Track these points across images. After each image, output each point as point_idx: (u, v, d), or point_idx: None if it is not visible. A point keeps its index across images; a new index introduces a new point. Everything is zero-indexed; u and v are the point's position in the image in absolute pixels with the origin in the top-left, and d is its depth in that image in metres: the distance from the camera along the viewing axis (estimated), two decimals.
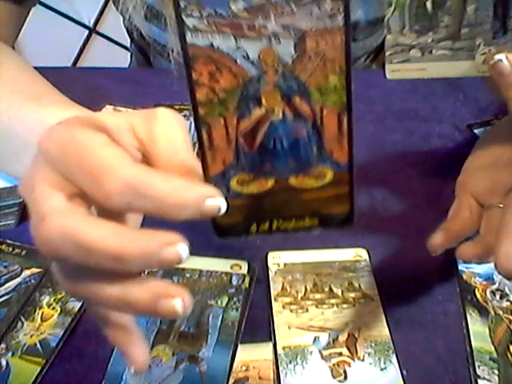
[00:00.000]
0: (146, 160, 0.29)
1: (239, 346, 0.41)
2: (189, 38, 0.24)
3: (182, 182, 0.25)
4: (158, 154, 0.28)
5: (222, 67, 0.25)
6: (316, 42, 0.25)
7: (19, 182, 0.28)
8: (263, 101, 0.26)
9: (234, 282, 0.45)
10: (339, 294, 0.45)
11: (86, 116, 0.29)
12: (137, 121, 0.29)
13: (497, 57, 0.38)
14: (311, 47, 0.25)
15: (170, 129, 0.29)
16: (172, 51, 0.61)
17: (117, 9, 0.70)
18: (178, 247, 0.24)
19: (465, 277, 0.46)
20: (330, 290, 0.45)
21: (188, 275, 0.46)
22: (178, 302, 0.25)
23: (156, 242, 0.24)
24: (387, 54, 0.39)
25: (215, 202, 0.25)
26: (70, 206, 0.26)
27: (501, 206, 0.40)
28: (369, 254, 0.48)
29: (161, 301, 0.25)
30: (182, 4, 0.24)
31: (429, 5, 0.38)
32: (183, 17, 0.24)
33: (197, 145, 0.27)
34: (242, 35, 0.25)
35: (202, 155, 0.27)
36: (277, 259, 0.47)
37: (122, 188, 0.24)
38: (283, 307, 0.44)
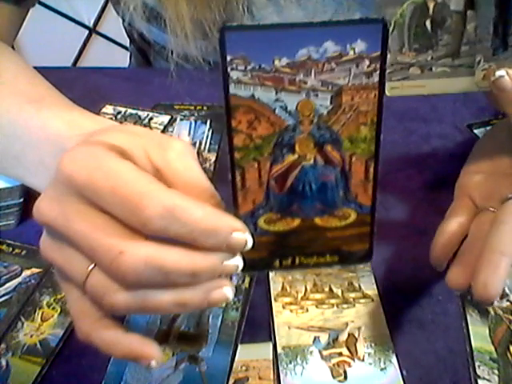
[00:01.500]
0: None
1: (239, 346, 0.41)
2: (232, 88, 0.25)
3: (213, 210, 0.27)
4: (176, 183, 0.29)
5: (260, 116, 0.26)
6: (351, 96, 0.27)
7: (37, 205, 0.29)
8: (297, 148, 0.28)
9: (234, 282, 0.45)
10: (339, 294, 0.45)
11: (103, 139, 0.29)
12: (151, 148, 0.29)
13: (498, 73, 0.37)
14: (346, 101, 0.27)
15: (186, 159, 0.30)
16: (171, 53, 0.61)
17: (117, 12, 0.70)
18: (236, 260, 0.27)
19: None
20: (330, 290, 0.45)
21: None
22: (228, 289, 0.28)
23: (220, 257, 0.27)
24: (386, 72, 0.39)
25: (242, 236, 0.26)
26: (134, 235, 0.27)
27: (492, 209, 0.40)
28: None
29: (211, 294, 0.28)
30: (228, 57, 0.25)
31: (428, 24, 0.38)
32: (228, 69, 0.25)
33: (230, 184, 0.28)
34: (282, 88, 0.26)
35: (233, 194, 0.29)
36: None
37: (162, 212, 0.26)
38: (283, 307, 0.44)
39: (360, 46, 0.25)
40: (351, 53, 0.25)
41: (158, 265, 0.26)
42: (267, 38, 0.24)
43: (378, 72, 0.26)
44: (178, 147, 0.30)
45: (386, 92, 0.40)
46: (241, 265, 0.28)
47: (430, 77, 0.39)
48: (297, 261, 0.31)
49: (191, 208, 0.26)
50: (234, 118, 0.26)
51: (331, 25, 0.25)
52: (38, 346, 0.41)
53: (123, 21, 0.76)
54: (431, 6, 0.38)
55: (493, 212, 0.40)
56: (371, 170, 0.29)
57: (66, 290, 0.31)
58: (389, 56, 0.38)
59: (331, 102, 0.27)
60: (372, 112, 0.27)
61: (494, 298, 0.34)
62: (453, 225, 0.41)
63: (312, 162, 0.28)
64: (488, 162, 0.45)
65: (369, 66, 0.26)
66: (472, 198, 0.43)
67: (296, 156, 0.28)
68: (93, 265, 0.28)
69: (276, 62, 0.25)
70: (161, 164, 0.29)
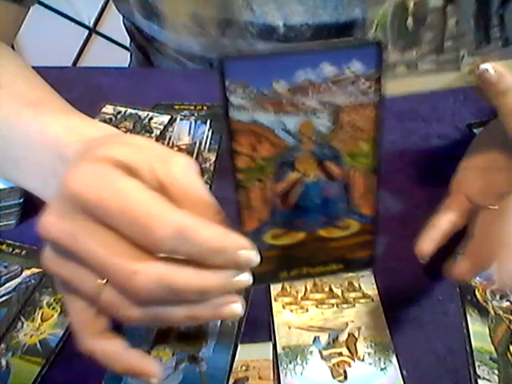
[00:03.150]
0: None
1: (239, 346, 0.41)
2: (232, 113, 0.26)
3: (221, 229, 0.27)
4: (181, 199, 0.29)
5: (262, 138, 0.27)
6: (349, 114, 0.27)
7: (42, 222, 0.29)
8: (299, 166, 0.28)
9: None
10: (339, 294, 0.45)
11: (108, 154, 0.29)
12: (156, 163, 0.30)
13: (482, 66, 0.38)
14: (345, 119, 0.27)
15: (190, 175, 0.30)
16: (171, 49, 0.61)
17: (117, 8, 0.70)
18: (244, 276, 0.28)
19: None
20: (330, 289, 0.45)
21: None
22: (237, 306, 0.29)
23: (229, 274, 0.27)
24: (383, 88, 0.39)
25: (249, 253, 0.27)
26: (145, 254, 0.27)
27: (491, 207, 0.40)
28: None
29: (222, 309, 0.29)
30: (227, 84, 0.25)
31: (410, 22, 0.38)
32: (227, 94, 0.25)
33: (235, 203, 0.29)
34: (281, 110, 0.26)
35: (239, 214, 0.29)
36: None
37: (173, 234, 0.26)
38: (283, 307, 0.44)
39: (356, 66, 0.25)
40: (348, 73, 0.26)
41: (169, 284, 0.27)
42: (265, 64, 0.25)
43: (374, 89, 0.26)
44: (182, 163, 0.30)
45: None
46: (250, 280, 0.28)
47: (417, 75, 0.39)
48: (303, 271, 0.32)
49: (200, 228, 0.26)
50: (236, 141, 0.27)
51: (327, 47, 0.25)
52: (38, 346, 0.41)
53: (123, 19, 0.76)
54: (411, 4, 0.38)
55: (493, 209, 0.40)
56: (372, 182, 0.29)
57: (69, 301, 0.31)
58: None
59: (330, 122, 0.27)
60: (371, 128, 0.28)
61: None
62: (443, 221, 0.43)
63: (313, 178, 0.29)
64: (483, 157, 0.46)
65: (365, 85, 0.26)
66: (467, 194, 0.44)
67: (298, 174, 0.29)
68: (105, 280, 0.28)
69: (275, 86, 0.25)
70: (165, 179, 0.29)
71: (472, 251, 0.39)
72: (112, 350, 0.30)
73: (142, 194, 0.27)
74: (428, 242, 0.42)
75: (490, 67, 0.37)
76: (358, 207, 0.30)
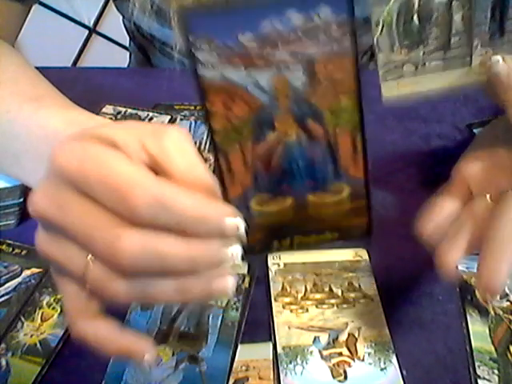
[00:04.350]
0: (159, 176, 0.29)
1: (239, 346, 0.41)
2: (201, 71, 0.25)
3: (203, 198, 0.26)
4: (173, 170, 0.28)
5: (234, 96, 0.26)
6: (325, 66, 0.26)
7: (31, 197, 0.28)
8: (277, 125, 0.27)
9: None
10: (339, 293, 0.45)
11: (97, 132, 0.29)
12: (146, 137, 0.29)
13: (494, 58, 0.38)
14: (321, 71, 0.26)
15: (182, 145, 0.29)
16: (175, 48, 0.61)
17: (118, 9, 0.70)
18: (234, 248, 0.27)
19: (465, 277, 0.46)
20: (330, 289, 0.45)
21: None
22: (229, 279, 0.28)
23: (217, 243, 0.26)
24: (381, 72, 0.39)
25: (234, 221, 0.26)
26: (128, 224, 0.27)
27: (488, 196, 0.40)
28: (369, 254, 0.48)
29: (214, 282, 0.28)
30: (191, 39, 0.24)
31: (415, 19, 0.38)
32: (193, 50, 0.24)
33: (214, 168, 0.28)
34: (251, 65, 0.25)
35: (220, 179, 0.28)
36: (277, 259, 0.47)
37: (150, 201, 0.25)
38: (283, 307, 0.44)
39: (325, 11, 0.24)
40: (316, 19, 0.24)
41: (155, 250, 0.26)
42: (228, 15, 0.24)
43: (347, 36, 0.25)
44: (173, 135, 0.29)
45: (383, 93, 0.40)
46: (239, 251, 0.27)
47: (425, 72, 0.39)
48: (295, 240, 0.30)
49: (180, 196, 0.26)
50: (208, 100, 0.26)
51: None
52: (38, 346, 0.41)
53: (123, 18, 0.76)
54: (416, 0, 0.38)
55: (487, 199, 0.40)
56: (358, 140, 0.28)
57: (62, 285, 0.31)
58: (381, 56, 0.38)
59: (305, 75, 0.26)
60: (349, 80, 0.26)
61: (500, 288, 0.33)
62: (446, 210, 0.41)
63: (294, 138, 0.27)
64: (486, 153, 0.45)
65: (338, 32, 0.25)
66: (468, 180, 0.43)
67: (278, 134, 0.27)
68: (91, 256, 0.28)
69: (240, 38, 0.24)
70: (156, 152, 0.29)
71: (457, 240, 0.38)
72: (104, 332, 0.30)
73: (123, 165, 0.27)
74: (433, 230, 0.40)
75: (501, 60, 0.37)
76: (347, 169, 0.29)
